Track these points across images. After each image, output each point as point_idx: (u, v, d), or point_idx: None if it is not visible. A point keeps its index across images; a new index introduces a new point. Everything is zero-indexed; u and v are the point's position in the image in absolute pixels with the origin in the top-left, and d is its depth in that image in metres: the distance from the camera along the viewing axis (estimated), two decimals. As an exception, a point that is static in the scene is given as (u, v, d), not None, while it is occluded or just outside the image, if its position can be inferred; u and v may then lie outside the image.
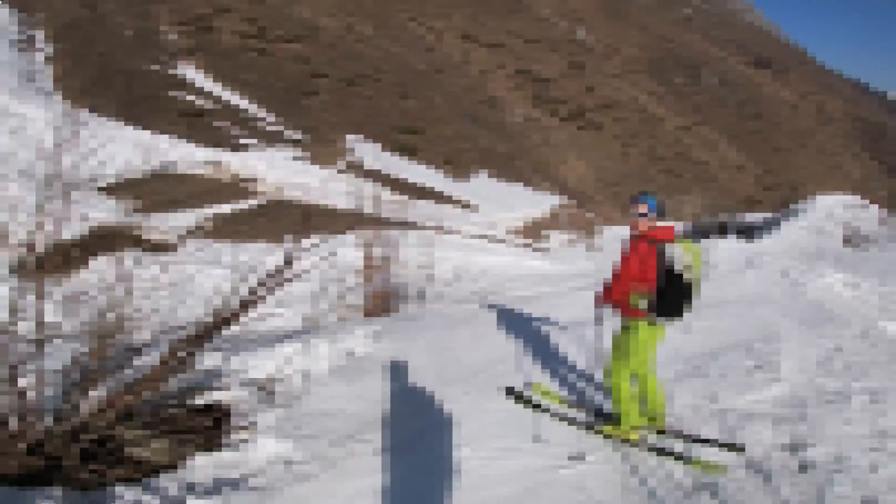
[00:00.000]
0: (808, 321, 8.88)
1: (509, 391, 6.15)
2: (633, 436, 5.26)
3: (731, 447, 5.14)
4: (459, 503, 4.43)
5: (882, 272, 12.39)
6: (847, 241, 23.96)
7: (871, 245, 22.10)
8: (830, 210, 28.18)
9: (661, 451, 5.12)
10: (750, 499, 4.51)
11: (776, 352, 7.40)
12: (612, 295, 5.19)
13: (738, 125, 63.77)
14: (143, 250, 14.81)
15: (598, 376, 6.68)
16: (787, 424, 5.58)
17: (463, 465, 4.84)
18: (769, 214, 34.32)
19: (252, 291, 5.15)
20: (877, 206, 30.97)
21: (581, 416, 5.84)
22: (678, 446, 5.27)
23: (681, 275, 4.87)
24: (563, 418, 5.69)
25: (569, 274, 17.11)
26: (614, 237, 30.31)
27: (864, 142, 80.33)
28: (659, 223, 5.17)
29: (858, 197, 32.35)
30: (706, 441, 5.26)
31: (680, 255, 4.88)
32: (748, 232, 27.28)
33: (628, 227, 5.33)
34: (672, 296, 4.94)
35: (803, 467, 4.88)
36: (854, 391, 6.28)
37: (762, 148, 61.77)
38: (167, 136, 22.09)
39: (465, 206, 25.19)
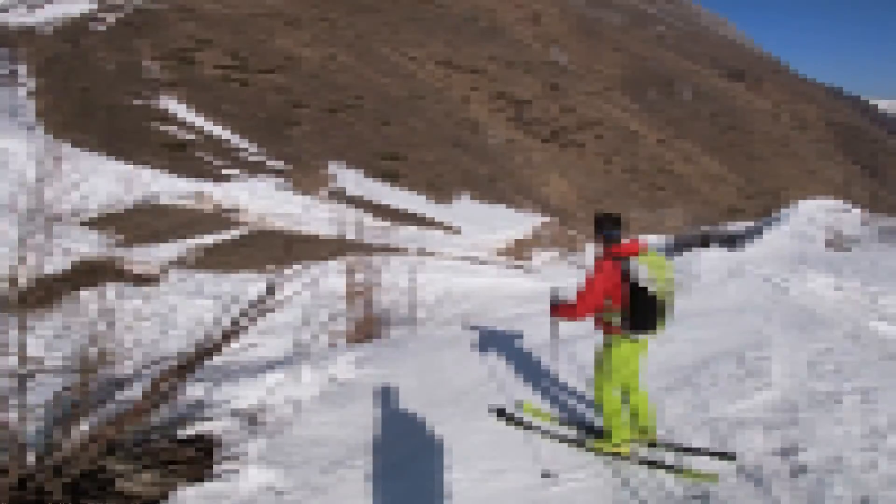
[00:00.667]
0: (795, 326, 8.92)
1: (500, 413, 6.09)
2: (624, 449, 5.24)
3: (723, 455, 5.15)
4: (452, 525, 4.40)
5: (867, 273, 12.48)
6: (830, 244, 24.16)
7: (854, 247, 22.31)
8: (812, 214, 28.45)
9: (651, 464, 5.11)
10: (746, 507, 4.51)
11: (765, 358, 7.41)
12: (576, 312, 5.14)
13: (715, 137, 64.55)
14: (127, 283, 14.72)
15: (585, 392, 6.68)
16: (779, 429, 5.57)
17: (454, 487, 4.81)
18: (751, 223, 34.61)
19: (235, 321, 5.12)
20: (858, 207, 31.32)
21: (572, 433, 5.81)
22: (669, 457, 5.26)
23: (645, 288, 4.86)
24: (553, 436, 5.66)
25: (554, 292, 17.15)
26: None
27: (842, 145, 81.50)
28: (624, 240, 5.22)
29: (839, 200, 32.73)
30: (697, 450, 5.28)
31: (644, 268, 4.90)
32: (731, 241, 27.47)
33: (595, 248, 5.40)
34: (640, 309, 4.92)
35: (797, 471, 4.87)
36: (845, 392, 6.29)
37: (741, 158, 62.50)
38: (150, 168, 22.08)
39: (449, 228, 25.24)
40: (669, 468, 5.02)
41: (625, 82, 68.67)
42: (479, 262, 20.78)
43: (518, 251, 25.46)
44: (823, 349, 7.67)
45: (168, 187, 20.83)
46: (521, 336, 9.27)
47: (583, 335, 8.43)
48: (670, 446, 5.39)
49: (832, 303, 10.43)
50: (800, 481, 4.74)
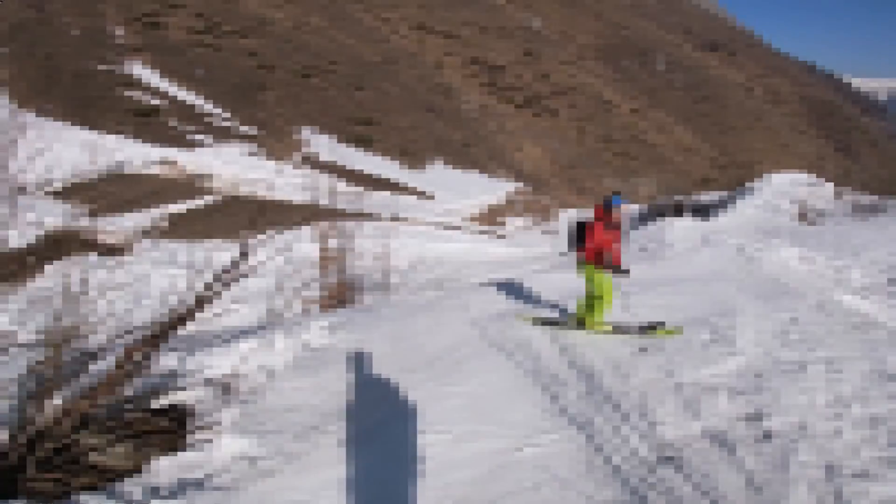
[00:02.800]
0: (763, 295, 9.07)
1: (527, 319, 8.06)
2: (606, 328, 7.57)
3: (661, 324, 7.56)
4: (425, 489, 4.43)
5: (835, 246, 12.68)
6: (801, 217, 24.50)
7: (824, 221, 22.63)
8: (784, 187, 28.79)
9: (623, 331, 7.45)
10: (713, 469, 4.59)
11: (733, 326, 7.54)
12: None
13: (690, 108, 64.80)
14: (96, 253, 14.49)
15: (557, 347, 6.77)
16: (746, 396, 5.68)
17: (427, 451, 4.85)
18: (724, 193, 34.97)
19: (207, 289, 5.08)
20: (829, 182, 31.74)
21: (567, 322, 7.86)
22: (633, 330, 7.48)
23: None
24: (557, 324, 7.81)
25: (526, 257, 17.24)
26: (571, 220, 30.64)
27: (815, 121, 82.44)
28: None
29: (811, 175, 33.14)
30: (651, 327, 7.53)
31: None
32: (703, 211, 27.77)
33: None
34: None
35: (764, 437, 4.98)
36: (811, 361, 6.41)
37: (714, 129, 62.90)
38: (117, 135, 21.63)
39: (422, 194, 25.17)
40: (643, 332, 7.36)
41: (600, 50, 68.46)
42: (453, 228, 20.79)
43: (491, 218, 25.50)
44: (790, 319, 7.82)
45: (136, 155, 20.46)
46: (494, 301, 9.31)
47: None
48: (627, 325, 7.67)
49: (800, 274, 10.60)
50: (765, 446, 4.84)
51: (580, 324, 7.69)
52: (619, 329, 7.57)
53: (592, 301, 7.51)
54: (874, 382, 5.90)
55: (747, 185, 32.12)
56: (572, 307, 8.70)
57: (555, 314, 8.47)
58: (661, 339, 7.16)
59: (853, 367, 6.25)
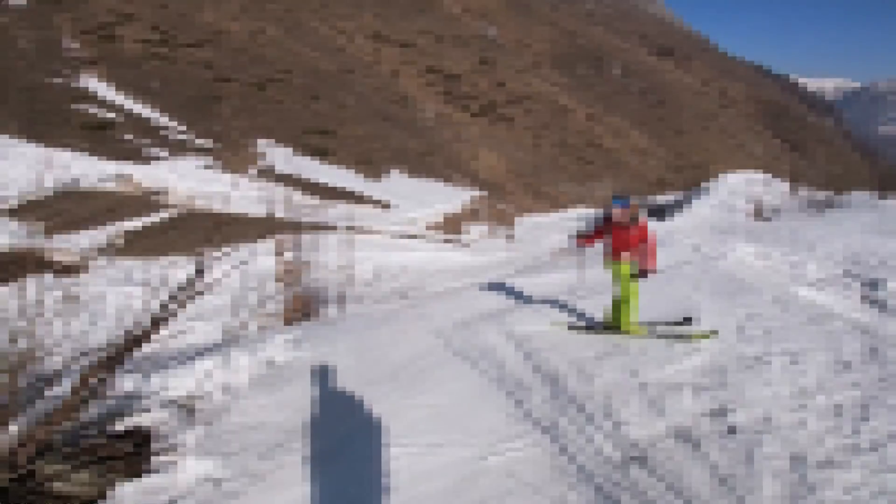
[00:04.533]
0: (722, 293, 9.24)
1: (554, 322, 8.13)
2: (640, 330, 7.52)
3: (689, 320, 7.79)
4: (393, 502, 4.40)
5: (790, 242, 12.99)
6: (756, 214, 25.01)
7: (776, 217, 23.14)
8: (737, 187, 29.42)
9: (659, 334, 7.39)
10: (679, 466, 4.64)
11: (693, 324, 7.67)
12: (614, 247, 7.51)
13: (644, 112, 65.81)
14: (51, 273, 14.12)
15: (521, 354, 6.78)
16: (710, 392, 5.78)
17: (393, 465, 4.82)
18: (680, 194, 35.57)
19: (164, 307, 4.97)
20: (781, 180, 32.52)
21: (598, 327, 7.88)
22: (664, 332, 7.48)
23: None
24: (590, 329, 7.81)
25: (488, 265, 17.28)
26: (533, 225, 30.86)
27: (767, 122, 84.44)
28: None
29: (763, 173, 33.92)
30: (678, 323, 7.78)
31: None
32: (660, 212, 28.21)
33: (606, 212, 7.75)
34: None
35: (730, 431, 5.06)
36: (772, 354, 6.56)
37: (669, 132, 63.96)
38: (71, 151, 21.12)
39: (381, 205, 25.09)
40: (678, 337, 7.20)
41: (555, 58, 69.21)
42: (414, 237, 20.76)
43: (451, 225, 25.52)
44: (749, 314, 7.98)
45: (90, 170, 19.98)
46: (457, 308, 9.31)
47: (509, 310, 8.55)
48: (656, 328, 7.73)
49: (757, 270, 10.83)
50: (731, 441, 4.92)
51: (613, 328, 7.69)
52: (653, 331, 7.60)
53: (619, 303, 7.57)
54: (834, 372, 6.05)
55: (703, 185, 32.74)
56: (536, 310, 8.77)
57: (574, 319, 8.40)
58: (638, 340, 7.25)
59: (813, 358, 6.40)
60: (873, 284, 9.22)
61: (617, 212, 7.45)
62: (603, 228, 7.68)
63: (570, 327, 7.93)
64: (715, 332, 7.30)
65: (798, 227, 15.28)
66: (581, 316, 8.52)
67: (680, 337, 7.25)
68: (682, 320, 7.88)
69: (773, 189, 29.75)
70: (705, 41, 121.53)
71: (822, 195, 29.23)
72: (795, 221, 17.72)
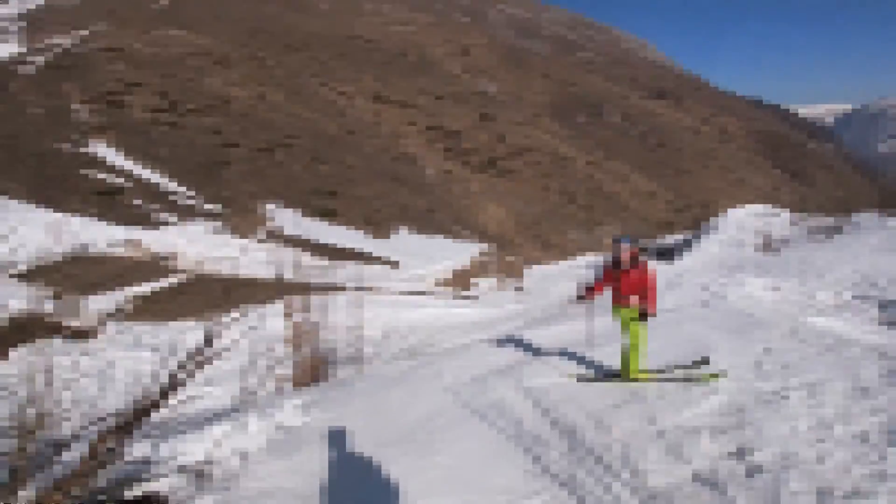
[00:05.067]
0: (735, 329, 9.16)
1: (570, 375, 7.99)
2: (644, 376, 7.41)
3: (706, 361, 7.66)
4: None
5: (799, 271, 12.93)
6: (762, 247, 24.94)
7: (784, 247, 23.05)
8: (742, 221, 29.42)
9: (668, 380, 7.28)
10: (704, 511, 4.55)
11: (710, 363, 7.59)
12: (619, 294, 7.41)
13: (644, 155, 66.36)
14: (63, 338, 14.16)
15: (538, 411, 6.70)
16: (729, 433, 5.68)
17: (411, 527, 4.74)
18: (687, 234, 35.55)
19: (175, 374, 4.97)
20: (786, 210, 32.53)
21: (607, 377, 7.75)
22: (672, 375, 7.48)
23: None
24: (603, 380, 7.64)
25: (498, 318, 17.21)
26: (541, 275, 30.81)
27: (766, 153, 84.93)
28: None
29: (768, 205, 33.96)
30: (694, 364, 7.64)
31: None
32: (667, 254, 28.18)
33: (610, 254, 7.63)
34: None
35: (752, 471, 4.96)
36: (791, 388, 6.47)
37: (670, 173, 64.36)
38: (81, 216, 21.38)
39: (388, 263, 25.18)
40: (686, 380, 7.14)
41: (553, 108, 70.17)
42: (422, 294, 20.75)
43: (460, 280, 25.53)
44: (764, 349, 7.90)
45: (99, 235, 20.20)
46: (468, 365, 9.24)
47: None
48: (663, 372, 7.62)
49: (769, 303, 10.75)
50: (755, 481, 4.82)
51: (622, 376, 7.62)
52: (662, 375, 7.53)
53: (628, 350, 7.49)
54: (854, 400, 5.96)
55: (705, 223, 32.76)
56: (548, 361, 8.70)
57: (584, 369, 8.31)
58: (655, 386, 7.16)
59: (832, 387, 6.31)
60: (886, 305, 9.14)
61: (625, 252, 7.35)
62: (607, 276, 7.59)
63: (580, 379, 7.84)
64: (724, 372, 7.22)
65: (806, 256, 15.24)
66: (592, 365, 8.44)
67: (689, 379, 7.17)
68: (698, 360, 7.80)
69: (778, 220, 29.74)
70: (698, 80, 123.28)
71: (828, 220, 29.17)
72: (803, 250, 17.66)
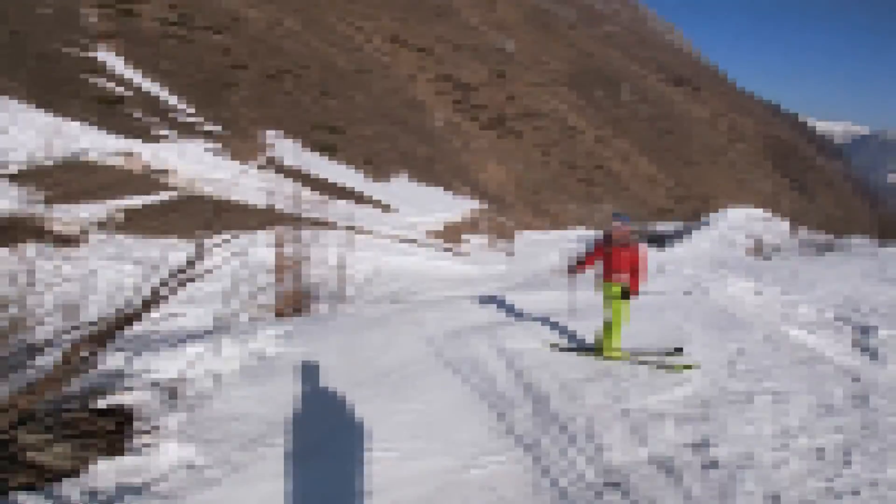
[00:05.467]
0: (714, 326, 9.24)
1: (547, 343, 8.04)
2: (617, 354, 7.49)
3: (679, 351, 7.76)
4: (369, 506, 4.39)
5: (786, 281, 13.00)
6: (756, 251, 25.05)
7: (776, 255, 23.16)
8: (738, 222, 29.49)
9: (641, 360, 7.38)
10: (659, 496, 4.63)
11: (684, 354, 7.67)
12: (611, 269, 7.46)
13: (653, 139, 65.99)
14: (48, 243, 14.10)
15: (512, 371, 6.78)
16: (693, 424, 5.77)
17: (373, 467, 4.81)
18: (681, 224, 35.63)
19: (157, 289, 4.96)
20: (784, 219, 32.62)
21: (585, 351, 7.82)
22: (649, 359, 7.48)
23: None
24: (578, 353, 7.74)
25: (485, 277, 17.29)
26: (532, 241, 30.87)
27: (775, 160, 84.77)
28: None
29: (767, 210, 34.04)
30: (668, 353, 7.74)
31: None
32: (660, 241, 28.27)
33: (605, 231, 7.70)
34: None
35: (711, 465, 5.05)
36: (758, 392, 6.55)
37: (675, 161, 64.12)
38: (79, 122, 21.08)
39: (384, 207, 25.11)
40: (660, 366, 7.20)
41: (569, 76, 69.40)
42: (412, 243, 20.77)
43: (451, 234, 25.54)
44: (739, 350, 7.98)
45: (96, 144, 19.95)
46: (450, 318, 9.31)
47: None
48: (639, 354, 7.72)
49: (751, 307, 10.84)
50: (712, 474, 4.91)
51: (596, 351, 7.72)
52: (636, 357, 7.59)
53: (609, 327, 7.53)
54: (818, 415, 6.05)
55: (703, 217, 32.83)
56: (528, 326, 8.78)
57: (565, 340, 8.39)
58: (627, 367, 7.24)
59: (798, 399, 6.39)
60: (865, 330, 9.23)
61: (618, 226, 7.44)
62: (597, 251, 7.64)
63: (562, 349, 7.88)
64: (698, 365, 7.30)
65: (795, 268, 15.30)
66: (573, 337, 8.52)
67: (662, 366, 7.25)
68: (672, 350, 7.88)
69: (773, 227, 29.84)
70: (719, 73, 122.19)
71: (822, 237, 29.30)
72: (794, 261, 17.73)
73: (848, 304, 11.12)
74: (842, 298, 11.51)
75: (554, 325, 8.97)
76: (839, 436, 5.63)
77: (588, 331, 8.59)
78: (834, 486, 4.80)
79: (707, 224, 29.61)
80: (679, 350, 7.83)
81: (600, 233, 7.92)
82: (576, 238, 32.24)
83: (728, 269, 15.05)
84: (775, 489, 4.73)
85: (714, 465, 5.06)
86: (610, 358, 7.49)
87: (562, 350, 7.86)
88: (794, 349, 8.26)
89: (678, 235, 29.04)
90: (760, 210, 33.49)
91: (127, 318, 4.85)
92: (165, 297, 4.99)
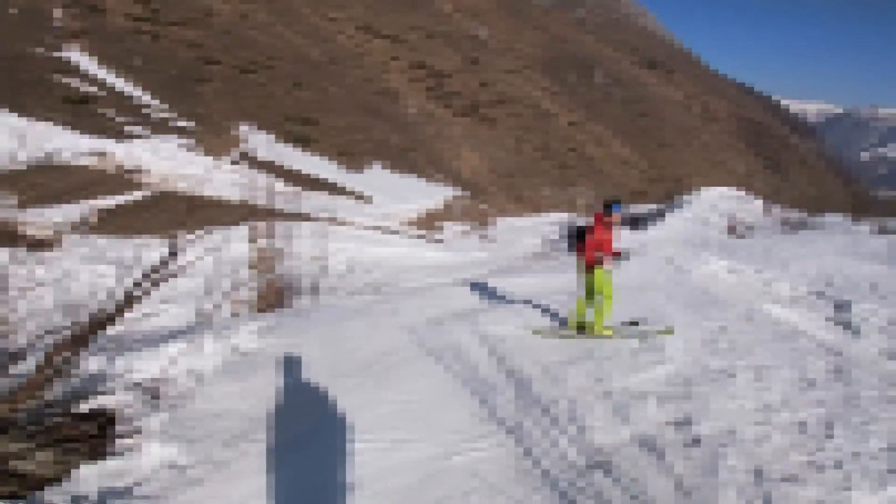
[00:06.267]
0: (692, 305, 9.32)
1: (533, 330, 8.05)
2: (608, 332, 7.73)
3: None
4: (355, 498, 4.38)
5: (763, 259, 13.13)
6: (730, 230, 25.26)
7: (752, 234, 23.37)
8: (714, 202, 29.71)
9: (623, 335, 7.67)
10: (643, 474, 4.67)
11: (657, 335, 7.74)
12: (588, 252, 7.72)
13: (627, 122, 66.27)
14: (21, 247, 13.86)
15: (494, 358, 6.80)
16: (675, 402, 5.81)
17: (357, 459, 4.80)
18: (656, 206, 35.84)
19: (134, 288, 4.90)
20: (758, 198, 32.92)
21: (568, 333, 7.92)
22: (629, 332, 7.77)
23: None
24: (561, 336, 7.81)
25: (463, 264, 17.29)
26: (507, 228, 30.91)
27: (748, 140, 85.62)
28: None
29: (741, 190, 34.34)
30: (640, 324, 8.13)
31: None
32: (636, 222, 28.42)
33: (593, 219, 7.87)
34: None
35: (693, 442, 5.09)
36: (739, 369, 6.62)
37: (649, 144, 64.48)
38: (50, 123, 20.72)
39: (360, 197, 25.02)
40: (642, 337, 7.58)
41: (543, 62, 69.40)
42: (390, 232, 20.72)
43: (428, 222, 25.52)
44: (719, 328, 8.06)
45: (68, 144, 19.62)
46: (430, 306, 9.30)
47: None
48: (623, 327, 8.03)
49: (728, 285, 10.95)
50: (695, 451, 4.95)
51: (580, 329, 7.92)
52: (618, 333, 7.82)
53: (594, 305, 7.80)
54: (798, 389, 6.12)
55: (678, 198, 33.04)
56: (508, 311, 8.81)
57: (546, 323, 8.51)
58: (608, 346, 7.29)
59: (779, 374, 6.47)
60: (841, 306, 9.35)
61: (617, 216, 7.69)
62: (591, 233, 7.79)
63: (544, 334, 7.95)
64: (671, 328, 7.83)
65: (771, 246, 15.44)
66: (550, 318, 8.59)
67: (644, 334, 7.64)
68: (629, 322, 8.24)
69: (748, 206, 30.09)
70: (692, 56, 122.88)
71: (796, 215, 29.61)
72: (769, 240, 17.89)
73: (824, 280, 11.27)
74: (818, 274, 11.66)
75: (535, 309, 9.01)
76: (820, 409, 5.70)
77: (566, 315, 8.64)
78: (816, 459, 4.86)
79: (683, 205, 29.80)
80: (635, 323, 8.19)
81: (582, 220, 8.10)
82: (553, 222, 32.31)
83: (705, 249, 15.17)
84: (758, 464, 4.77)
85: (697, 442, 5.11)
86: (600, 335, 7.69)
87: (537, 333, 7.93)
88: (772, 325, 8.36)
89: (654, 217, 29.19)
90: (734, 189, 33.76)
91: (105, 320, 4.79)
92: (143, 296, 4.94)
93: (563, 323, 8.39)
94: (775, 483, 4.56)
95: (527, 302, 9.46)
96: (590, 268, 7.77)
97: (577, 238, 7.86)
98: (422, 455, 4.91)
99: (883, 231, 21.77)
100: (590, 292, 7.86)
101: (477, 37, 65.52)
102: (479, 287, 10.82)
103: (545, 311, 8.97)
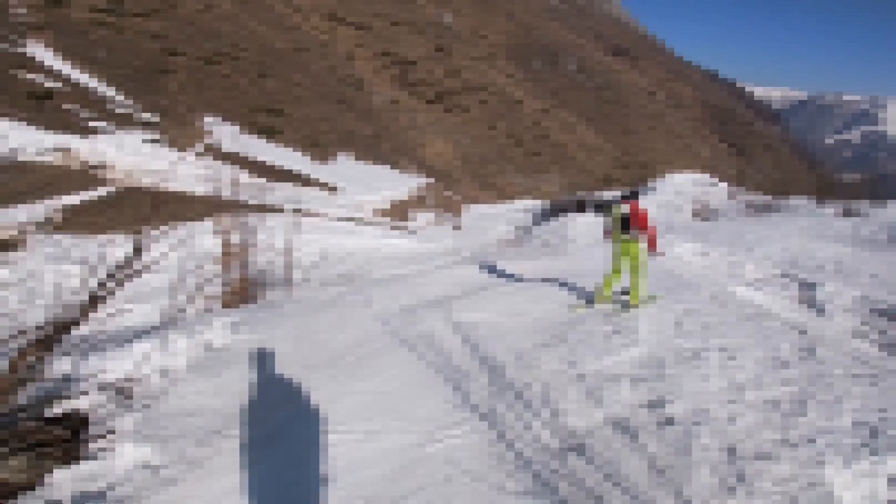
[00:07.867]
0: (661, 288, 9.44)
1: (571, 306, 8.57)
2: (653, 297, 8.59)
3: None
4: (332, 490, 4.38)
5: (729, 242, 13.32)
6: (697, 214, 25.55)
7: (719, 218, 23.68)
8: (681, 187, 30.03)
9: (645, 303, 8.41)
10: (618, 456, 4.73)
11: (633, 317, 7.82)
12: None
13: (595, 109, 66.63)
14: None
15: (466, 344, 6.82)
16: (648, 384, 5.89)
17: (332, 451, 4.80)
18: (624, 191, 36.12)
19: (101, 286, 4.82)
20: (724, 182, 33.34)
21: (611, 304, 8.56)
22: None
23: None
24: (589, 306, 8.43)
25: (434, 252, 17.28)
26: (479, 215, 30.95)
27: (714, 125, 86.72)
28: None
29: (707, 175, 34.75)
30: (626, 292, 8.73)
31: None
32: (605, 208, 28.63)
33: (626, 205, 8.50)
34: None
35: (666, 422, 5.17)
36: (708, 349, 6.72)
37: (617, 130, 64.94)
38: (11, 120, 20.22)
39: (329, 188, 24.86)
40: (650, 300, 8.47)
41: (510, 50, 69.45)
42: (360, 223, 20.64)
43: (398, 212, 25.46)
44: (687, 310, 8.17)
45: (29, 142, 19.17)
46: (401, 295, 9.30)
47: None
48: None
49: (697, 268, 11.10)
50: (668, 432, 5.03)
51: (623, 301, 8.66)
52: (645, 302, 8.56)
53: (630, 280, 8.45)
54: (768, 369, 6.23)
55: (648, 183, 33.33)
56: (479, 298, 8.82)
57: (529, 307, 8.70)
58: (583, 330, 7.35)
59: (748, 354, 6.58)
60: (809, 286, 9.52)
61: (634, 203, 8.42)
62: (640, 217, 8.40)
63: (579, 307, 8.46)
64: (663, 296, 8.77)
65: (738, 229, 15.67)
66: (538, 301, 8.62)
67: (653, 298, 8.65)
68: (622, 292, 9.03)
69: (715, 190, 30.46)
70: (658, 42, 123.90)
71: (762, 199, 30.03)
72: (736, 223, 18.14)
73: (791, 261, 11.47)
74: (786, 256, 11.86)
75: (507, 296, 9.04)
76: (790, 388, 5.81)
77: (539, 300, 8.71)
78: (789, 436, 4.96)
79: (651, 190, 30.07)
80: (626, 292, 8.81)
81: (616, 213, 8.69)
82: (522, 209, 32.41)
83: (673, 233, 15.34)
84: (731, 442, 4.87)
85: (670, 421, 5.18)
86: (637, 306, 8.31)
87: (577, 308, 8.46)
88: (741, 306, 8.49)
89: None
90: (701, 174, 34.15)
91: (72, 320, 4.71)
92: (110, 294, 4.86)
93: (590, 299, 8.81)
94: (748, 460, 4.65)
95: (497, 287, 9.50)
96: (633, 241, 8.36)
97: (622, 225, 8.39)
98: (396, 445, 4.92)
99: (847, 213, 22.16)
100: (616, 271, 8.51)
101: (443, 24, 65.30)
102: (450, 275, 10.84)
103: (517, 297, 9.00)
